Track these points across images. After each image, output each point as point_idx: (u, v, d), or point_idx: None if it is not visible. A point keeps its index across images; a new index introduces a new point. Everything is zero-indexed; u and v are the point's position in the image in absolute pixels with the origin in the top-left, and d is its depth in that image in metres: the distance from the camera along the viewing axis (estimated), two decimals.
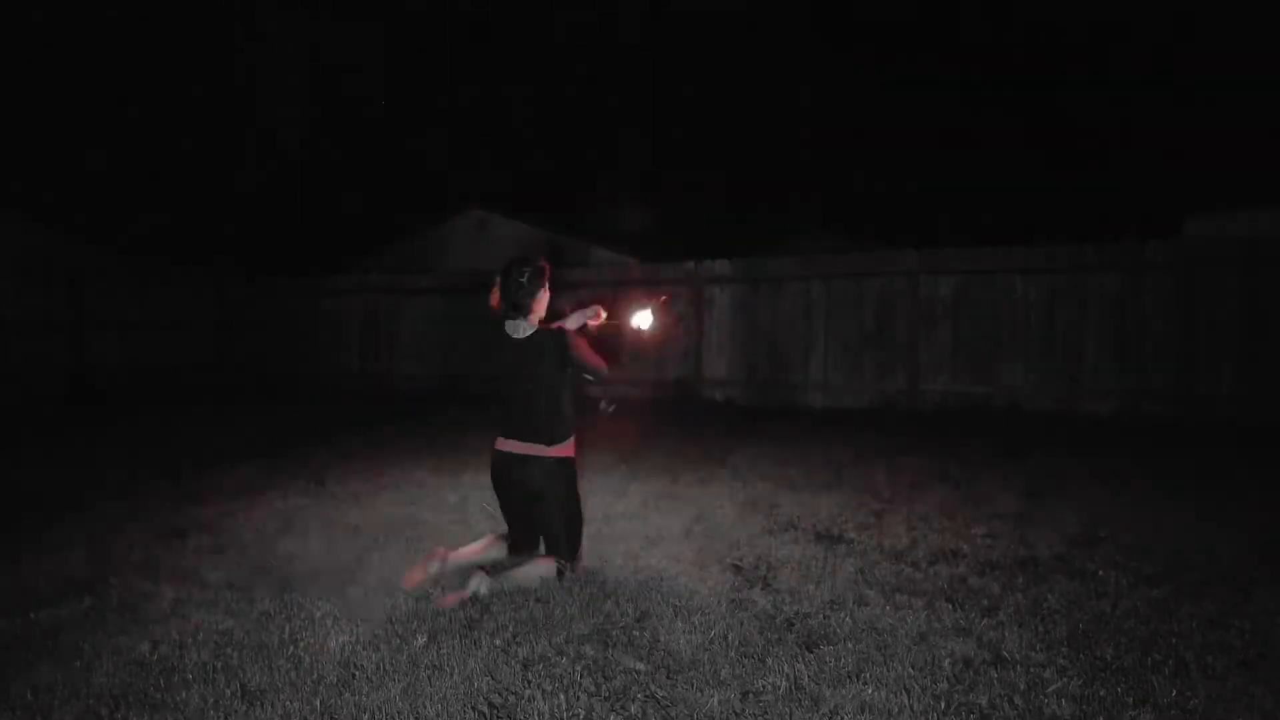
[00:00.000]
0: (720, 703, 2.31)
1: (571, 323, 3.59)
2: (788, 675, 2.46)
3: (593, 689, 2.40)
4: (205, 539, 4.07)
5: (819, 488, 5.19)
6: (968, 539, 3.96)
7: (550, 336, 3.45)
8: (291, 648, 2.69)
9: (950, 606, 3.03)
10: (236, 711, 2.28)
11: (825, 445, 6.80)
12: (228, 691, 2.39)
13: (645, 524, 4.31)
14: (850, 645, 2.68)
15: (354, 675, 2.49)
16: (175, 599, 3.18)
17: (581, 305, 3.81)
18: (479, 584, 3.18)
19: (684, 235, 17.93)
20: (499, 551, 3.51)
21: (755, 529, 4.21)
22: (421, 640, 2.73)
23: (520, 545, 3.51)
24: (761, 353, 10.11)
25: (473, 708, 2.30)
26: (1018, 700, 2.30)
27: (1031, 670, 2.49)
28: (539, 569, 3.34)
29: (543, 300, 3.52)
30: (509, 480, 3.45)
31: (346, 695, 2.36)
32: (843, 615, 2.94)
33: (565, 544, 3.40)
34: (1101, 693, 2.35)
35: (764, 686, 2.40)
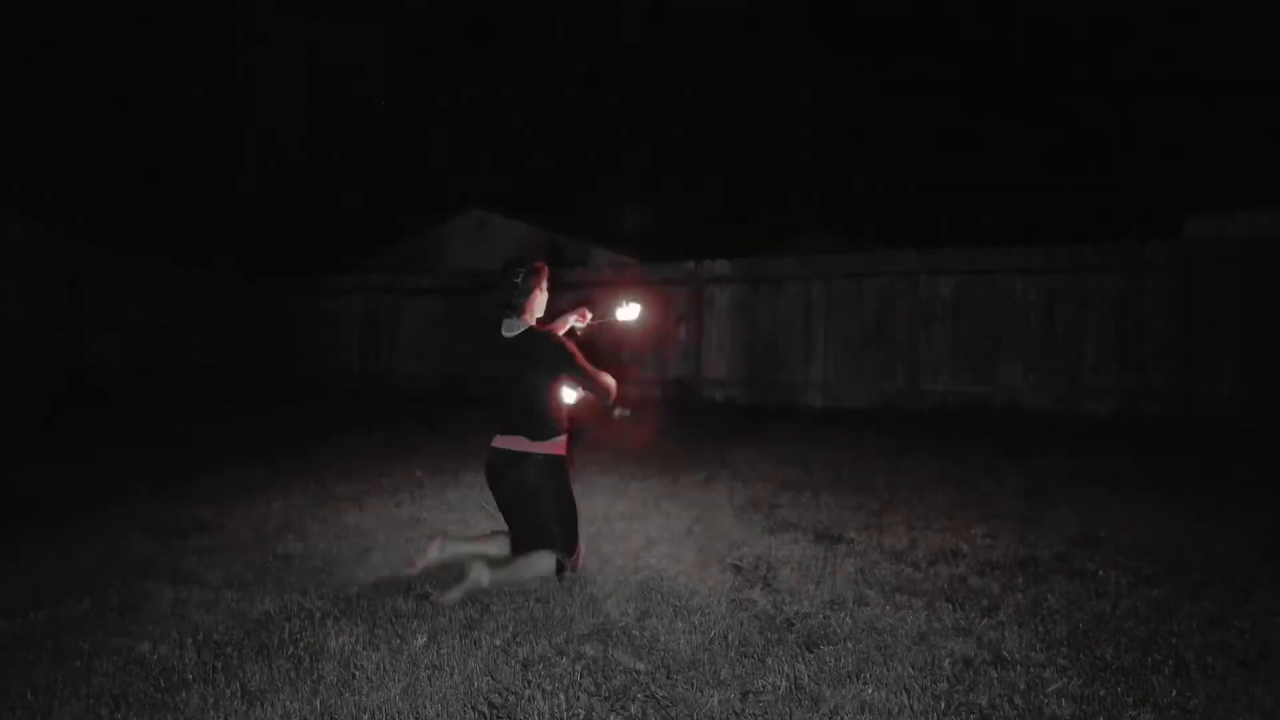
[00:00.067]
0: (720, 703, 2.31)
1: (562, 325, 3.62)
2: (788, 675, 2.46)
3: (593, 689, 2.40)
4: (205, 539, 4.07)
5: (819, 488, 5.19)
6: (968, 539, 3.96)
7: (544, 339, 3.46)
8: (291, 648, 2.69)
9: (950, 606, 3.03)
10: (236, 711, 2.28)
11: (825, 445, 6.80)
12: (228, 691, 2.39)
13: (645, 524, 4.31)
14: (850, 645, 2.68)
15: (354, 675, 2.49)
16: (175, 599, 3.18)
17: (581, 306, 3.83)
18: (480, 573, 3.23)
19: (684, 235, 17.92)
20: (500, 547, 3.53)
21: (755, 529, 4.21)
22: (421, 640, 2.73)
23: (520, 543, 3.52)
24: (761, 353, 10.10)
25: (473, 708, 2.30)
26: (1018, 700, 2.30)
27: (1031, 670, 2.49)
28: (539, 561, 3.36)
29: (538, 300, 3.53)
30: (503, 478, 3.47)
31: (346, 695, 2.36)
32: (843, 615, 2.94)
33: (561, 541, 3.41)
34: (1101, 693, 2.35)
35: (764, 686, 2.40)
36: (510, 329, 3.49)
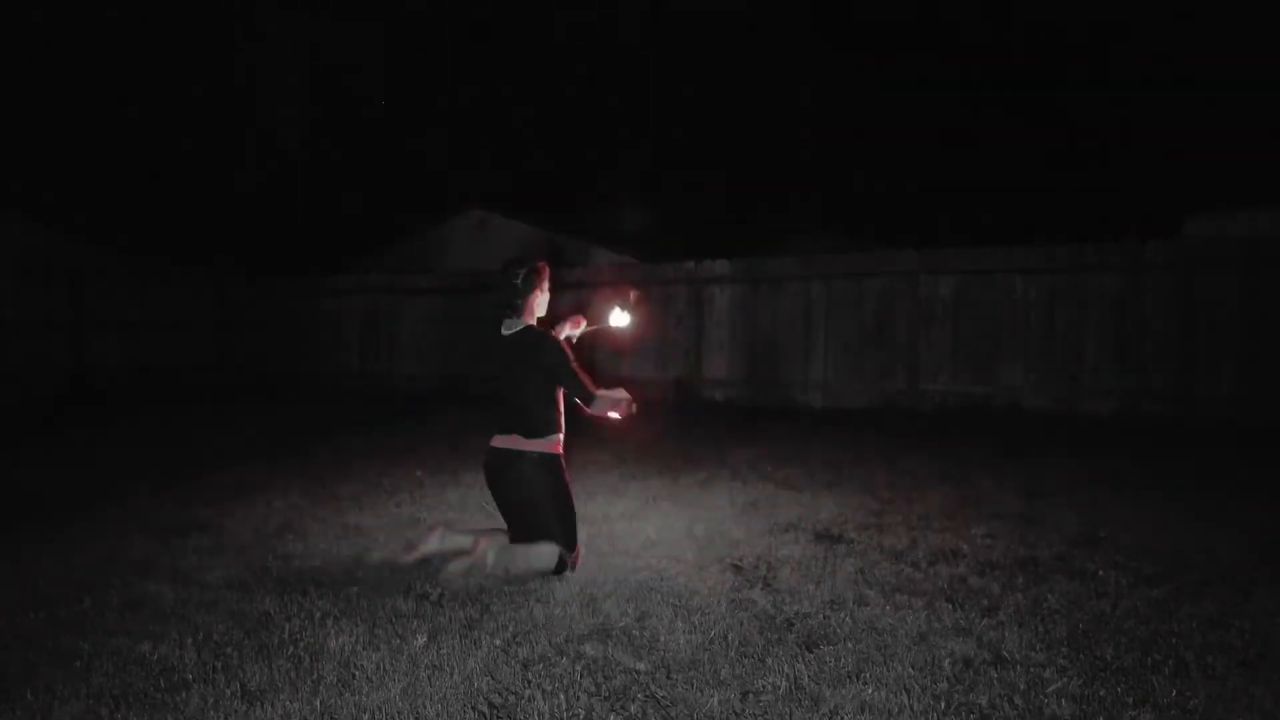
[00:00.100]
0: (720, 703, 2.31)
1: (558, 333, 3.64)
2: (788, 675, 2.46)
3: (593, 689, 2.40)
4: (205, 539, 4.07)
5: (819, 488, 5.19)
6: (968, 539, 3.96)
7: (541, 338, 3.47)
8: (291, 648, 2.69)
9: (950, 606, 3.03)
10: (236, 711, 2.28)
11: (825, 445, 6.80)
12: (228, 691, 2.39)
13: (645, 524, 4.31)
14: (850, 645, 2.68)
15: (354, 675, 2.49)
16: (175, 599, 3.19)
17: (582, 307, 3.86)
18: (489, 550, 3.30)
19: (684, 235, 17.91)
20: (499, 543, 3.53)
21: (755, 529, 4.22)
22: (421, 640, 2.73)
23: (518, 541, 3.52)
24: (761, 353, 10.10)
25: (473, 708, 2.30)
26: (1018, 700, 2.30)
27: (1031, 670, 2.49)
28: (543, 551, 3.38)
29: (537, 300, 3.54)
30: (501, 478, 3.49)
31: (346, 695, 2.36)
32: (843, 615, 2.94)
33: (561, 537, 3.42)
34: (1101, 693, 2.35)
35: (764, 686, 2.40)
36: (509, 329, 3.51)
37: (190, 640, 2.76)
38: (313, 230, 21.63)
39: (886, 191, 25.76)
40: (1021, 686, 2.38)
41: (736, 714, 2.27)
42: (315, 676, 2.48)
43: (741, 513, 4.57)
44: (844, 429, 7.82)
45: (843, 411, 9.16)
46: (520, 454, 3.43)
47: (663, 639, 2.75)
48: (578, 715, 2.26)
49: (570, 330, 3.80)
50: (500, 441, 3.49)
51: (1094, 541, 3.89)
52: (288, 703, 2.31)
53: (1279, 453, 6.25)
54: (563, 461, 3.54)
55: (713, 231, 19.31)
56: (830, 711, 2.26)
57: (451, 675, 2.48)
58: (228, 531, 4.22)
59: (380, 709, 2.28)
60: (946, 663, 2.54)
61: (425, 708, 2.29)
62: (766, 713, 2.27)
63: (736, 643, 2.71)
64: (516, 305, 3.49)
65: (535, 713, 2.26)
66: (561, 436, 3.53)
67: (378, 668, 2.54)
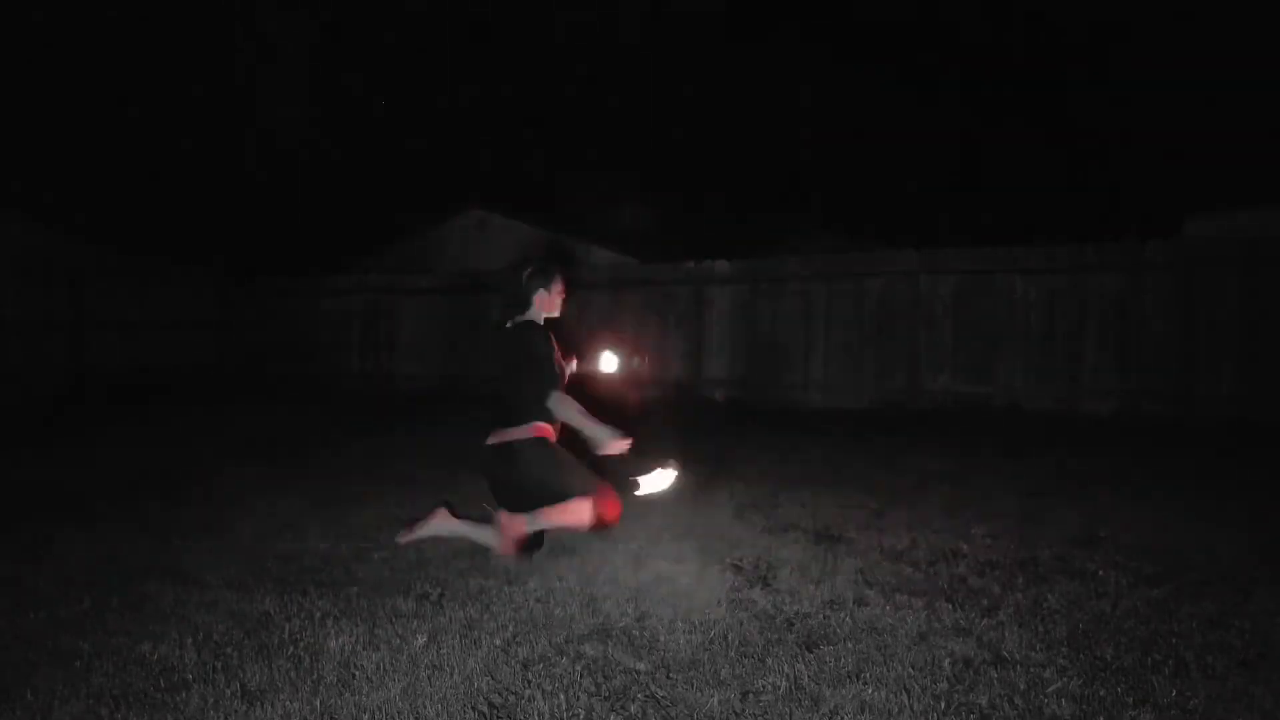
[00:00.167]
0: (720, 703, 2.31)
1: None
2: (788, 675, 2.46)
3: (593, 689, 2.40)
4: (205, 539, 4.07)
5: (819, 488, 5.19)
6: (968, 539, 3.96)
7: (524, 328, 3.50)
8: (291, 648, 2.69)
9: (950, 606, 3.03)
10: (236, 711, 2.28)
11: (825, 445, 6.80)
12: (228, 691, 2.39)
13: (645, 524, 4.31)
14: (850, 645, 2.68)
15: (354, 675, 2.49)
16: (175, 599, 3.18)
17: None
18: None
19: (684, 235, 17.90)
20: (497, 539, 3.54)
21: (755, 529, 4.22)
22: (421, 640, 2.73)
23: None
24: (762, 352, 10.11)
25: (473, 708, 2.30)
26: (1018, 700, 2.30)
27: (1031, 670, 2.49)
28: (577, 508, 3.37)
29: (544, 301, 3.56)
30: (494, 471, 3.50)
31: (346, 695, 2.36)
32: (842, 615, 2.94)
33: (582, 489, 3.40)
34: (1101, 693, 2.35)
35: (764, 686, 2.40)
36: (509, 325, 3.54)
37: (190, 640, 2.76)
38: (313, 230, 21.62)
39: (886, 191, 25.75)
40: (1021, 686, 2.38)
41: (736, 714, 2.27)
42: (315, 676, 2.48)
43: (741, 512, 4.57)
44: (844, 429, 7.82)
45: (843, 411, 9.16)
46: (511, 444, 3.44)
47: (663, 639, 2.75)
48: (578, 715, 2.26)
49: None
50: (492, 437, 3.49)
51: (1094, 541, 3.89)
52: (288, 703, 2.31)
53: (1279, 453, 6.25)
54: (549, 442, 3.52)
55: (713, 231, 19.30)
56: (830, 711, 2.26)
57: (451, 675, 2.48)
58: (228, 531, 4.22)
59: (380, 709, 2.28)
60: (946, 663, 2.54)
61: (425, 708, 2.29)
62: (766, 713, 2.27)
63: (736, 643, 2.71)
64: (522, 304, 3.52)
65: (535, 713, 2.26)
66: (549, 425, 3.50)
67: (378, 668, 2.54)
